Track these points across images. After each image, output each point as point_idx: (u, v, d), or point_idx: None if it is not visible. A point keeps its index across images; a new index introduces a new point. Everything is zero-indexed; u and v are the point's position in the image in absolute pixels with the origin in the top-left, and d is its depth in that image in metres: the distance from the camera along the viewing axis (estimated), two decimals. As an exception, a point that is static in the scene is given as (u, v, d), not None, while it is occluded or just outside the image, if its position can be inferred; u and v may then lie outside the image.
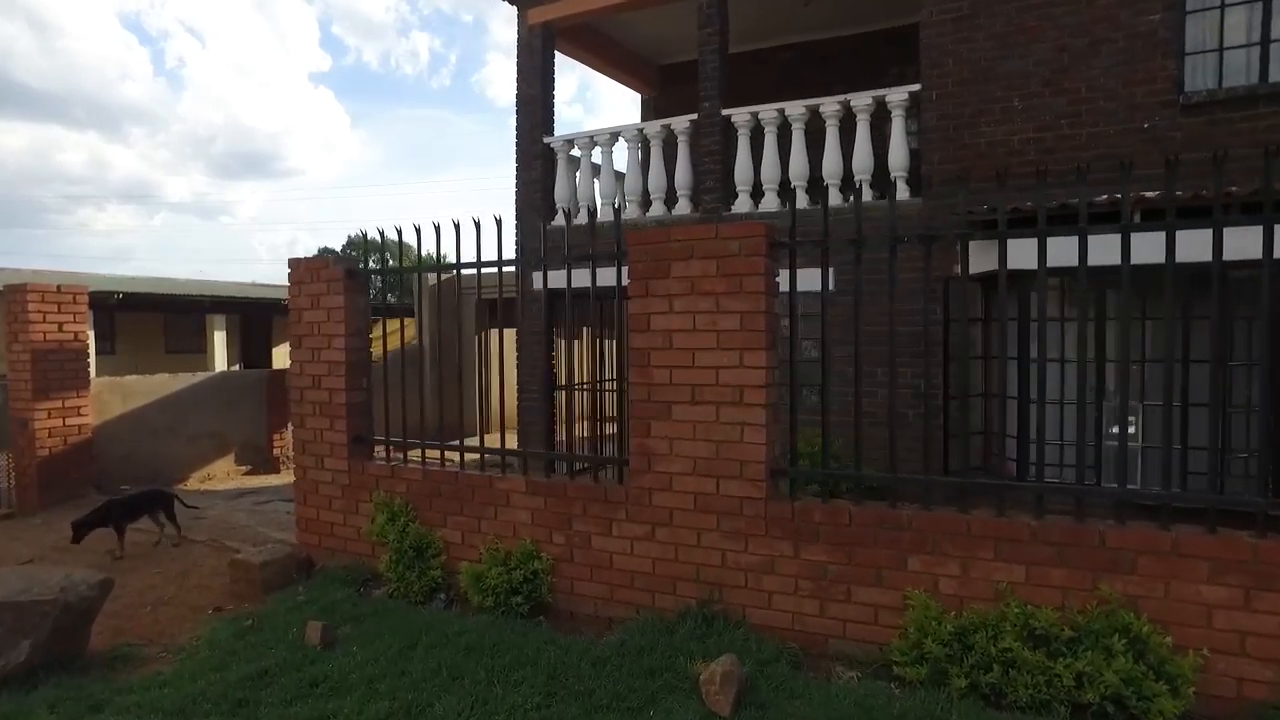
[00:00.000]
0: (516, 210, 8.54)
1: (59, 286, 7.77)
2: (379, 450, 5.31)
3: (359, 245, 49.50)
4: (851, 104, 6.98)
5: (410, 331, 13.56)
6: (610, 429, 5.33)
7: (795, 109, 7.18)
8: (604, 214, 7.79)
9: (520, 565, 4.34)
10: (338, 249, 53.98)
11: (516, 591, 4.29)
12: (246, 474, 9.47)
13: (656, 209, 7.77)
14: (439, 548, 4.75)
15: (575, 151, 8.40)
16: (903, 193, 6.84)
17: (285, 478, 9.41)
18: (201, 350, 17.01)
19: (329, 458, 5.30)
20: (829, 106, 7.06)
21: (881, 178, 7.06)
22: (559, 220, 8.13)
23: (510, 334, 11.63)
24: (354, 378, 5.23)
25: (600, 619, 4.28)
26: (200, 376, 9.52)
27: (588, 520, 4.31)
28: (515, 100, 8.54)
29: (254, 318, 19.19)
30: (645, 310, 4.09)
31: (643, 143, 8.03)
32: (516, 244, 8.50)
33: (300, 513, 5.47)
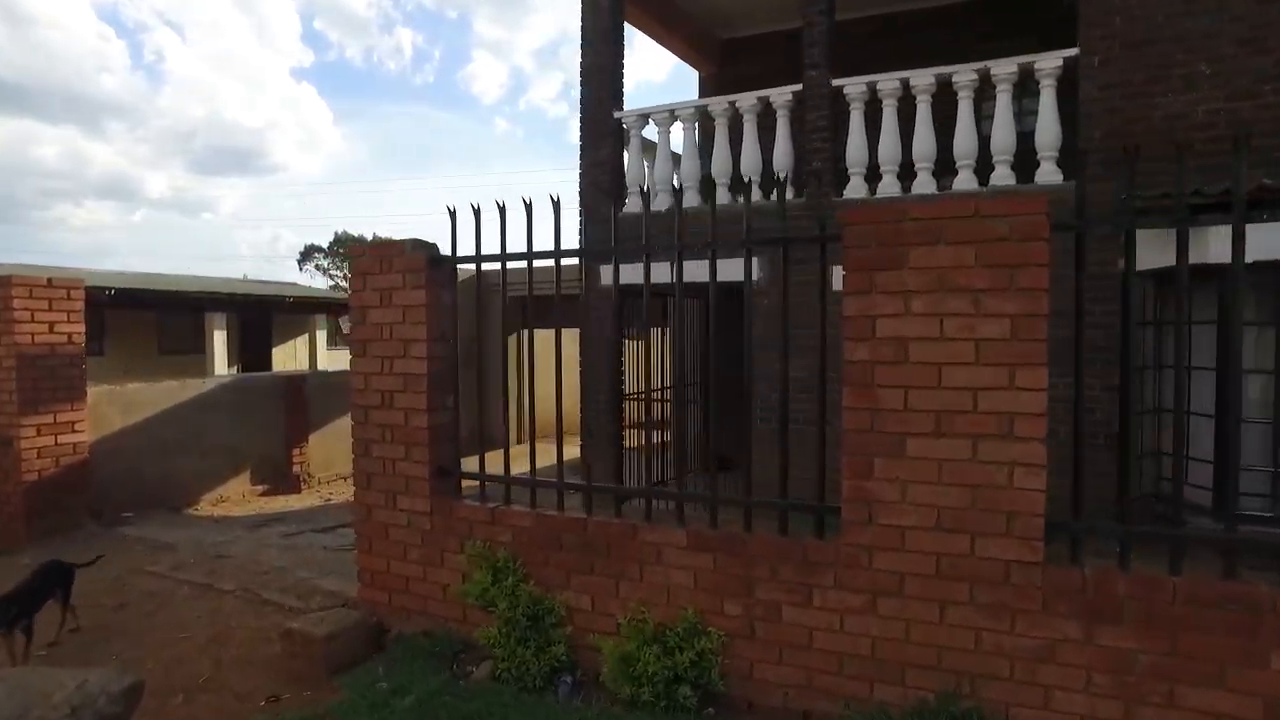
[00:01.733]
0: (581, 194, 7.47)
1: (50, 280, 6.61)
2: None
3: (345, 242, 48.24)
4: (991, 72, 5.99)
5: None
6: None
7: (922, 79, 6.18)
8: (688, 200, 6.74)
9: (684, 644, 3.31)
10: (324, 245, 52.57)
11: (681, 679, 3.26)
12: (264, 494, 8.32)
13: (753, 194, 6.72)
14: (560, 615, 3.70)
15: (650, 130, 7.37)
16: (1053, 175, 5.89)
17: (307, 499, 8.29)
18: (199, 351, 15.70)
19: (403, 495, 4.23)
20: (963, 76, 6.07)
21: (1024, 158, 6.09)
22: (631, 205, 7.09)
23: (544, 336, 10.55)
24: (437, 394, 4.17)
25: (791, 713, 3.28)
26: (211, 383, 8.35)
27: (776, 586, 3.29)
28: (580, 70, 7.47)
29: (252, 317, 17.90)
30: (868, 311, 3.07)
31: (732, 118, 6.99)
32: (581, 232, 7.44)
33: (364, 563, 4.39)
